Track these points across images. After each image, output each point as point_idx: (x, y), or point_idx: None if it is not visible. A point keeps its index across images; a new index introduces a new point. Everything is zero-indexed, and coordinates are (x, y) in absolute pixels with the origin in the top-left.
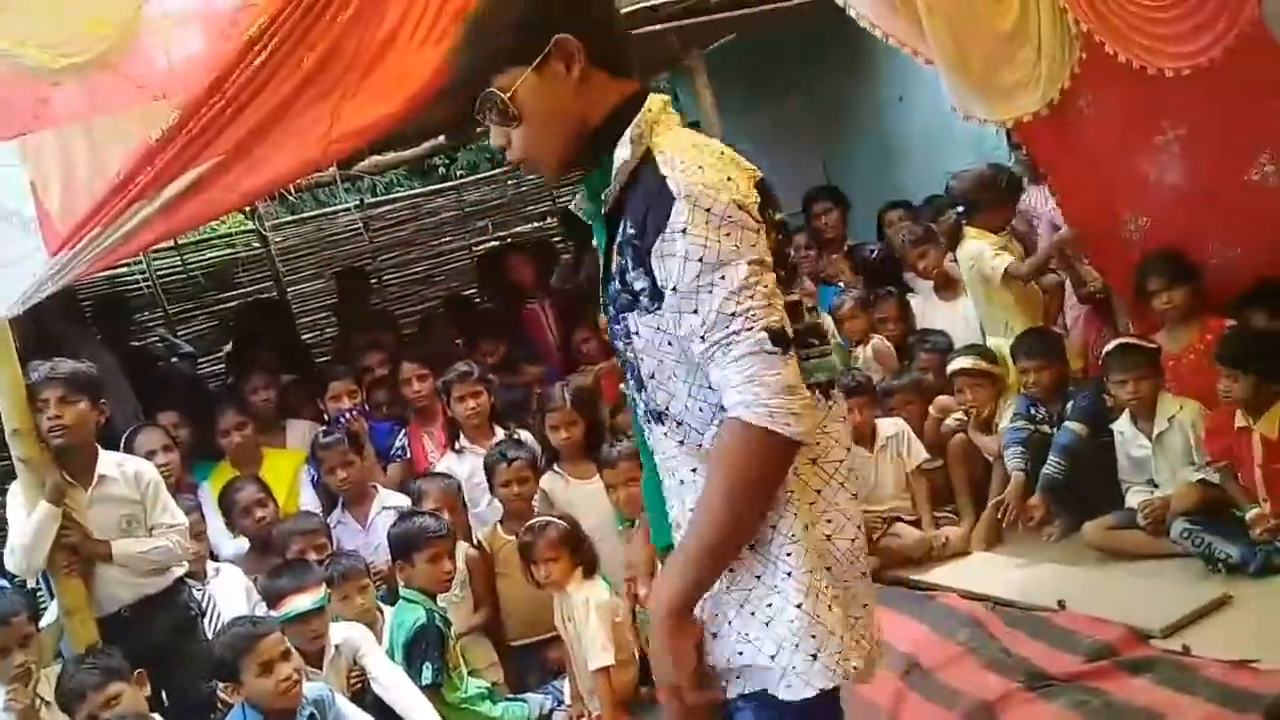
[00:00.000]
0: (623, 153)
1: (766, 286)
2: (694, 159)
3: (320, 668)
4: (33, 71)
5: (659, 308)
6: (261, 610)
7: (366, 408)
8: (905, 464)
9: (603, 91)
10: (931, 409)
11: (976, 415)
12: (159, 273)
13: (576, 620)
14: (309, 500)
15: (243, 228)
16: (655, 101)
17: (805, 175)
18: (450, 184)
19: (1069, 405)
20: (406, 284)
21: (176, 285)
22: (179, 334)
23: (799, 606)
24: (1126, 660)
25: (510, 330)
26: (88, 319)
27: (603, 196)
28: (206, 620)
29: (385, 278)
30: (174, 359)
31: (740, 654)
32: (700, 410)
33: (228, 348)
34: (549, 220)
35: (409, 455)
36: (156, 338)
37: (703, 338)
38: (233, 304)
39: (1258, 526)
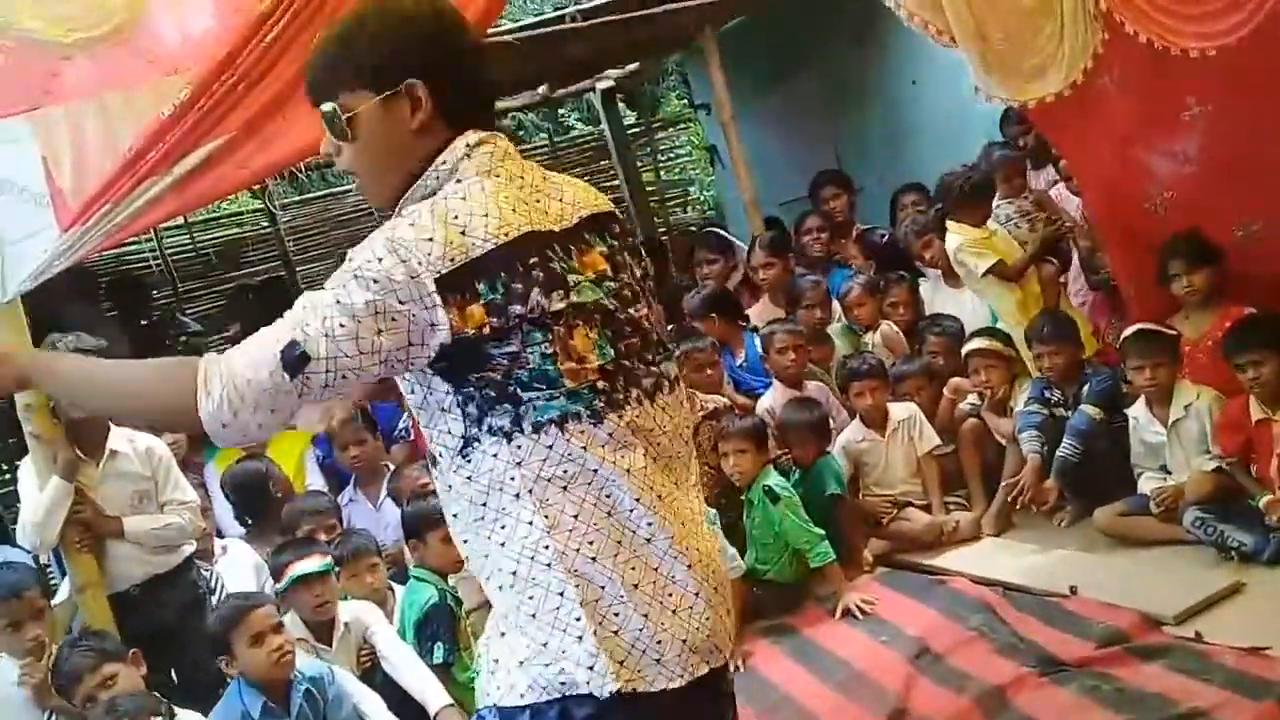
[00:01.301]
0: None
1: (330, 324)
2: (413, 215)
3: (330, 645)
4: (44, 45)
5: None
6: (271, 587)
7: None
8: (916, 448)
9: (435, 140)
10: (946, 390)
11: (991, 397)
12: (169, 251)
13: None
14: (316, 481)
15: (252, 206)
16: (458, 145)
17: (817, 157)
18: None
19: (1085, 388)
20: None
21: (186, 263)
22: (187, 312)
23: (544, 645)
24: (1138, 646)
25: None
26: (100, 296)
27: None
28: (215, 599)
29: None
30: (183, 338)
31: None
32: (439, 448)
33: (235, 329)
34: None
35: (413, 436)
36: (167, 316)
37: None
38: (240, 283)
39: (1273, 513)
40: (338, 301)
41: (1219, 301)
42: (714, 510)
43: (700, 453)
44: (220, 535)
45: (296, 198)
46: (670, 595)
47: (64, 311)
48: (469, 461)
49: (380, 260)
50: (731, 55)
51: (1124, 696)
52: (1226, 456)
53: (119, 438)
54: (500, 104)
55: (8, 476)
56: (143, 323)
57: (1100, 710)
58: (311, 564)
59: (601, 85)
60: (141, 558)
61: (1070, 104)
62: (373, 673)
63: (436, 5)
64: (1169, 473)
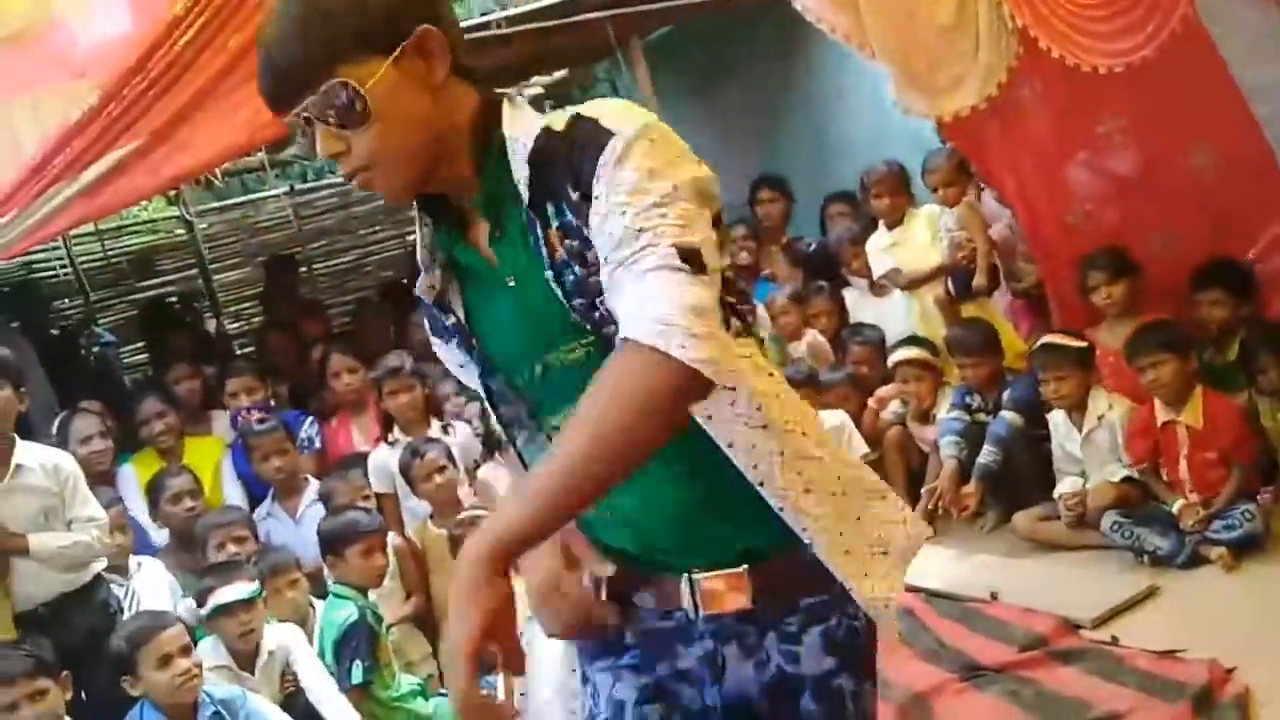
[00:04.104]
0: (521, 135)
1: (687, 209)
2: (612, 103)
3: (253, 672)
4: None
5: None
6: (185, 606)
7: (272, 402)
8: None
9: (460, 98)
10: (871, 400)
11: (916, 406)
12: (79, 259)
13: None
14: (233, 492)
15: (166, 213)
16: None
17: (745, 167)
18: None
19: (1005, 395)
20: (336, 273)
21: (96, 272)
22: (99, 322)
23: None
24: (1057, 650)
25: None
26: (2, 305)
27: (521, 194)
28: (127, 617)
29: (315, 267)
30: (95, 348)
31: None
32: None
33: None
34: None
35: (318, 446)
36: (79, 327)
37: (606, 259)
38: (154, 293)
39: (1187, 518)
40: (668, 190)
41: (1139, 311)
42: None
43: None
44: (140, 550)
45: (214, 204)
46: None
47: None
48: None
49: (646, 129)
50: (659, 65)
51: (1043, 700)
52: (1137, 464)
53: (25, 453)
54: None
55: None
56: (53, 333)
57: (1020, 714)
58: (237, 591)
59: (528, 92)
60: (47, 576)
61: (986, 117)
62: (295, 698)
63: None
64: (1087, 479)
